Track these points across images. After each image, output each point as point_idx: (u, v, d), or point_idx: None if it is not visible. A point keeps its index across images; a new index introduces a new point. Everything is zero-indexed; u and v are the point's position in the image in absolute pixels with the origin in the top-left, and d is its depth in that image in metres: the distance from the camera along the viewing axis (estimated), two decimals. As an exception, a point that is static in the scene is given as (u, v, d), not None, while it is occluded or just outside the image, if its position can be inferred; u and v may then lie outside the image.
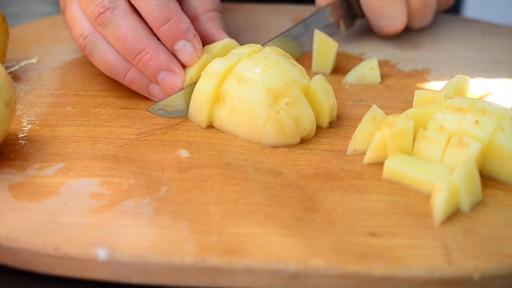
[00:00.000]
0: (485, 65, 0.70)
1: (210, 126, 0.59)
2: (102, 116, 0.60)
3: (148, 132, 0.58)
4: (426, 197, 0.51)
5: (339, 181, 0.53)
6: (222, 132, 0.58)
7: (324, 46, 0.67)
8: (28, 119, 0.60)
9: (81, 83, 0.66)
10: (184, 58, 0.60)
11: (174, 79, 0.60)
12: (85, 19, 0.61)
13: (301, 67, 0.59)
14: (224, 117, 0.57)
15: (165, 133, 0.58)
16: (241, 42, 0.64)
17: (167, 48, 0.60)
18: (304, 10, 0.80)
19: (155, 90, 0.61)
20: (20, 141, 0.57)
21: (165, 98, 0.60)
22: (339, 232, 0.48)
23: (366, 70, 0.66)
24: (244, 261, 0.46)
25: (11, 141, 0.57)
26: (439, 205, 0.48)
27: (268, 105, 0.55)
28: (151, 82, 0.61)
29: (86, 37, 0.60)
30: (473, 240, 0.47)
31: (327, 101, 0.58)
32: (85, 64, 0.69)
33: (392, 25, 0.70)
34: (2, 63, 0.64)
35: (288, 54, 0.60)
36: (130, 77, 0.61)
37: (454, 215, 0.49)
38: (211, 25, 0.64)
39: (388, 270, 0.45)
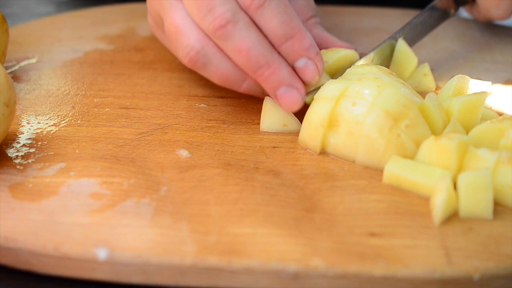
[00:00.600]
0: (485, 65, 0.70)
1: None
2: (102, 116, 0.60)
3: (148, 132, 0.58)
4: (426, 197, 0.51)
5: (339, 181, 0.53)
6: (222, 132, 0.58)
7: (404, 58, 0.65)
8: (28, 119, 0.60)
9: (81, 83, 0.66)
10: (305, 76, 0.58)
11: (295, 95, 0.57)
12: (193, 28, 0.57)
13: (409, 86, 0.57)
14: (340, 142, 0.55)
15: (165, 133, 0.58)
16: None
17: (288, 63, 0.58)
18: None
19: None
20: (20, 141, 0.57)
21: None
22: (339, 232, 0.48)
23: (421, 77, 0.65)
24: (244, 261, 0.46)
25: (11, 141, 0.57)
26: (438, 206, 0.48)
27: (387, 128, 0.53)
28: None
29: (198, 52, 0.57)
30: (473, 240, 0.47)
31: (441, 120, 0.55)
32: (85, 64, 0.69)
33: (503, 15, 0.70)
34: (2, 63, 0.64)
35: (394, 73, 0.58)
36: (248, 86, 0.59)
37: (454, 215, 0.49)
38: (316, 32, 0.63)
39: (388, 270, 0.45)
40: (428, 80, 0.65)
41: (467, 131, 0.55)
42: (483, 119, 0.57)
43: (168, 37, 0.59)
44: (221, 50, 0.57)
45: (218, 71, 0.57)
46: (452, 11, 0.70)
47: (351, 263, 0.45)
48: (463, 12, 0.76)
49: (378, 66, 0.59)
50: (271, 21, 0.56)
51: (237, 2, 0.56)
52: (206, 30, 0.56)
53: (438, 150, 0.51)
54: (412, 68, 0.65)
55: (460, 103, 0.55)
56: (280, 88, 0.57)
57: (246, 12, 0.56)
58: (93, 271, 0.46)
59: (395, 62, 0.65)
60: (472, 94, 0.56)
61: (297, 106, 0.57)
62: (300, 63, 0.57)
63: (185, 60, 0.57)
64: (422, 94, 0.63)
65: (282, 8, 0.56)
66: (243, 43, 0.55)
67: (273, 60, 0.56)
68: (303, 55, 0.57)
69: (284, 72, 0.57)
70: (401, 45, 0.65)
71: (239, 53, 0.56)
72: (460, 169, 0.51)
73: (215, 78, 0.58)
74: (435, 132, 0.55)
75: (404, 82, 0.57)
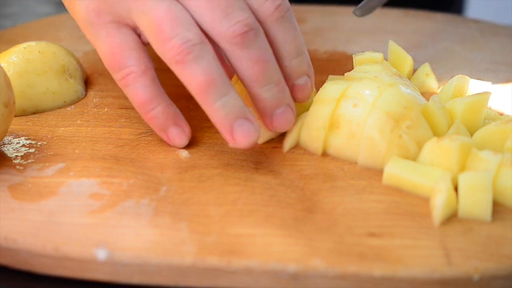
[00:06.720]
0: (485, 65, 0.70)
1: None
2: (102, 116, 0.60)
3: (148, 132, 0.58)
4: (425, 197, 0.51)
5: (339, 181, 0.53)
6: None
7: (398, 59, 0.65)
8: (28, 119, 0.60)
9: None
10: (303, 93, 0.57)
11: (291, 115, 0.55)
12: (193, 24, 0.53)
13: (414, 85, 0.57)
14: (341, 143, 0.54)
15: (165, 133, 0.58)
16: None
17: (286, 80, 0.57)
18: (305, 10, 0.80)
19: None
20: (20, 141, 0.57)
21: None
22: (339, 233, 0.48)
23: (424, 78, 0.65)
24: (243, 261, 0.46)
25: (10, 141, 0.57)
26: (438, 207, 0.48)
27: (389, 130, 0.53)
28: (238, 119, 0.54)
29: (195, 44, 0.52)
30: (473, 241, 0.47)
31: (445, 122, 0.54)
32: (85, 64, 0.69)
33: None
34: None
35: (398, 72, 0.58)
36: (225, 101, 0.53)
37: (454, 215, 0.49)
38: None
39: (388, 270, 0.45)
40: (431, 79, 0.65)
41: (470, 132, 0.55)
42: (485, 119, 0.57)
43: (153, 28, 0.54)
44: (217, 52, 0.55)
45: (207, 69, 0.53)
46: None
47: (351, 263, 0.45)
48: (467, 13, 0.76)
49: (383, 64, 0.58)
50: (289, 33, 0.55)
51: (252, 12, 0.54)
52: (219, 33, 0.53)
53: (440, 152, 0.51)
54: (408, 68, 0.65)
55: (464, 104, 0.55)
56: (280, 107, 0.55)
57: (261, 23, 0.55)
58: (93, 271, 0.46)
59: (389, 64, 0.65)
60: (475, 94, 0.56)
61: (289, 126, 0.56)
62: (301, 80, 0.56)
63: (177, 49, 0.53)
64: (426, 94, 0.63)
65: (294, 20, 0.56)
66: (263, 54, 0.54)
67: (281, 79, 0.55)
68: (306, 73, 0.57)
69: (287, 91, 0.56)
70: (393, 46, 0.65)
71: (256, 64, 0.53)
72: (462, 171, 0.51)
73: (200, 77, 0.53)
74: (439, 134, 0.54)
75: (408, 82, 0.57)
